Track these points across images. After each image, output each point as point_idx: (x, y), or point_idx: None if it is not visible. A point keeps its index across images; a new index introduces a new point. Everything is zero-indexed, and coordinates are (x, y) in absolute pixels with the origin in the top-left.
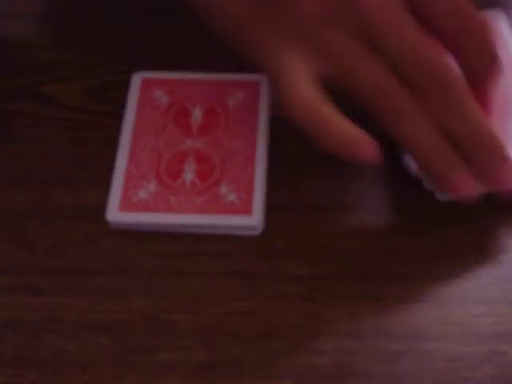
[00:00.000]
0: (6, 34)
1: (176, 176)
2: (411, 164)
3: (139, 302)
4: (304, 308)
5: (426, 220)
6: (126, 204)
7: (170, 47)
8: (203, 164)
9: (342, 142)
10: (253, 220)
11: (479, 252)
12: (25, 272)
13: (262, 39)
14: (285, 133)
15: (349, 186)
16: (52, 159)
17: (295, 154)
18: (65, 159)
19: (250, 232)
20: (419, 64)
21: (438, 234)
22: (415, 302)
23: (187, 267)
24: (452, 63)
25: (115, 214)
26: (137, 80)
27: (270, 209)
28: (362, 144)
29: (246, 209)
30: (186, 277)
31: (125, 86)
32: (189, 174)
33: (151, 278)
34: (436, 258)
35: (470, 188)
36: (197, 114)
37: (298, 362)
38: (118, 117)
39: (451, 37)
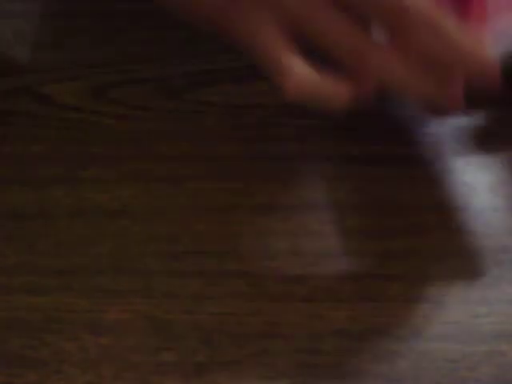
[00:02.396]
0: (6, 33)
1: None
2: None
3: (139, 302)
4: (304, 308)
5: (425, 220)
6: None
7: (171, 47)
8: None
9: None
10: None
11: (479, 252)
12: (25, 272)
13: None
14: (285, 132)
15: (348, 185)
16: (52, 159)
17: (295, 153)
18: (65, 159)
19: None
20: (385, 10)
21: (437, 233)
22: (415, 302)
23: (187, 267)
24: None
25: None
26: None
27: (270, 209)
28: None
29: None
30: (185, 277)
31: (125, 86)
32: None
33: (151, 278)
34: (436, 257)
35: (456, 103)
36: None
37: (298, 362)
38: (118, 117)
39: None
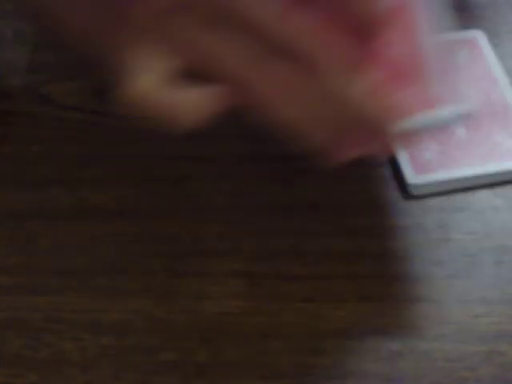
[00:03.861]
0: (6, 33)
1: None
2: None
3: (139, 302)
4: (304, 308)
5: (425, 220)
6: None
7: None
8: None
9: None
10: None
11: (479, 252)
12: (25, 272)
13: (110, 40)
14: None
15: (348, 185)
16: (52, 159)
17: (295, 153)
18: (65, 159)
19: None
20: (289, 39)
21: (437, 234)
22: (415, 302)
23: (187, 267)
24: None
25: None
26: None
27: (270, 209)
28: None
29: None
30: (185, 277)
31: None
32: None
33: (151, 278)
34: (435, 258)
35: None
36: None
37: (298, 362)
38: (118, 117)
39: None
